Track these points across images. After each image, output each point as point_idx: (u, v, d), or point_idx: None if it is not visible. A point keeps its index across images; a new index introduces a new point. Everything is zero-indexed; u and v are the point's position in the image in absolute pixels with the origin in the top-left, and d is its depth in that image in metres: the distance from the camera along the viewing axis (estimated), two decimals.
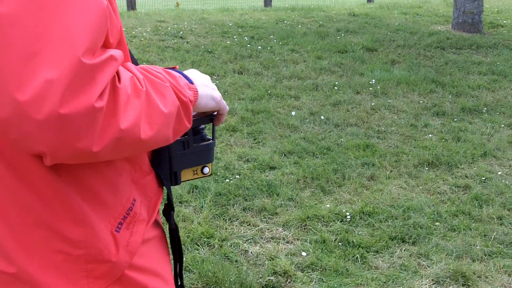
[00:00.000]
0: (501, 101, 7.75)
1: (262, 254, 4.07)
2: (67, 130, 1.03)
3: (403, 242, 4.34)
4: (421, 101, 7.55)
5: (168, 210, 1.55)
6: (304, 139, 6.17)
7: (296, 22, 11.59)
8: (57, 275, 1.23)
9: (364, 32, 10.90)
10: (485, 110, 7.35)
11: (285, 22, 11.50)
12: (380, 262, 4.07)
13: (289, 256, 4.06)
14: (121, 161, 1.31)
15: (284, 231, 4.42)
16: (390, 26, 11.50)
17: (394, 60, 9.31)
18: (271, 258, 4.03)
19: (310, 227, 4.46)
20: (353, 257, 4.09)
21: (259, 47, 9.42)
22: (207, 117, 1.54)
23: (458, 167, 5.69)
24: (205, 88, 1.46)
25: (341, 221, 4.58)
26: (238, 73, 8.20)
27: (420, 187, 5.27)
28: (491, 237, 4.41)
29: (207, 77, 1.52)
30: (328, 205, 4.80)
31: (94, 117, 1.05)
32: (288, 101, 7.25)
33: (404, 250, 4.22)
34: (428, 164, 5.73)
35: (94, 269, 1.25)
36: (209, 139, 1.57)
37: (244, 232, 4.36)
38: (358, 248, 4.20)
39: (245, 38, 9.90)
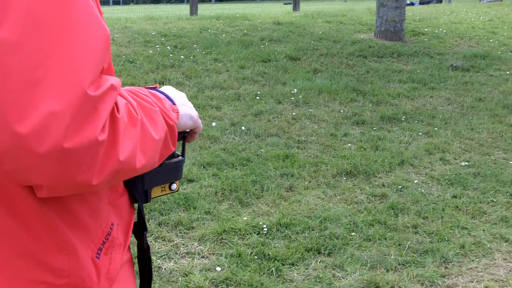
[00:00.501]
0: (419, 109, 7.89)
1: (176, 271, 4.01)
2: (69, 163, 1.00)
3: (319, 253, 4.35)
4: (341, 110, 7.62)
5: (141, 230, 1.50)
6: (224, 150, 6.14)
7: (220, 31, 11.57)
8: None
9: (288, 41, 10.96)
10: (404, 118, 7.47)
11: (209, 31, 11.47)
12: (295, 274, 4.06)
13: (204, 272, 4.01)
14: None
15: (199, 245, 4.37)
16: (314, 34, 11.60)
17: (316, 69, 9.38)
18: (185, 274, 3.97)
19: (226, 241, 4.42)
20: (268, 270, 4.07)
21: (182, 56, 9.35)
22: (181, 134, 1.50)
23: (376, 176, 5.76)
24: (184, 108, 1.43)
25: (258, 234, 4.56)
26: (160, 83, 8.11)
27: (338, 197, 5.30)
28: (406, 246, 4.46)
29: (184, 95, 1.48)
30: (245, 218, 4.78)
31: (96, 150, 1.02)
32: (210, 112, 7.21)
33: (319, 262, 4.22)
34: (347, 174, 5.78)
35: None
36: (179, 156, 1.54)
37: (158, 248, 4.29)
38: (273, 261, 4.18)
39: (168, 47, 9.82)
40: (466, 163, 6.17)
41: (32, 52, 0.96)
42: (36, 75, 0.96)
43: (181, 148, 1.57)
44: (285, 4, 25.08)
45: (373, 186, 5.55)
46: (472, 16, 14.93)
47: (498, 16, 15.46)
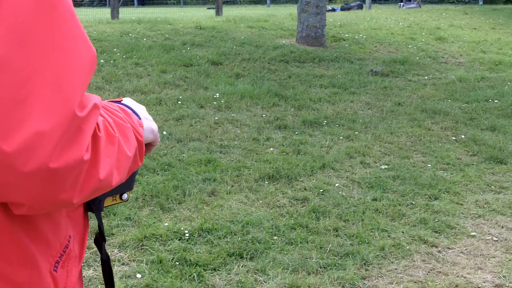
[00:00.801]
0: (340, 113, 7.99)
1: (95, 278, 3.91)
2: (53, 183, 0.99)
3: (241, 258, 4.32)
4: (264, 115, 7.64)
5: (100, 240, 1.48)
6: (145, 155, 6.04)
7: (141, 35, 11.44)
8: None
9: (210, 46, 10.93)
10: (325, 122, 7.55)
11: (130, 35, 11.32)
12: (217, 280, 4.02)
13: (124, 279, 3.93)
14: None
15: (120, 252, 4.28)
16: (236, 39, 11.61)
17: (239, 73, 9.39)
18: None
19: (147, 247, 4.34)
20: (190, 276, 4.01)
21: (102, 60, 9.19)
22: None
23: (298, 180, 5.78)
24: (147, 121, 1.42)
25: (179, 239, 4.50)
26: None
27: (260, 201, 5.30)
28: (327, 249, 4.48)
29: (144, 108, 1.47)
30: (166, 223, 4.71)
31: (80, 169, 1.02)
32: None
33: (241, 266, 4.20)
34: (269, 178, 5.78)
35: None
36: None
37: None
38: (195, 266, 4.13)
39: None
40: (386, 166, 6.27)
41: (19, 69, 0.93)
42: (23, 92, 0.93)
43: None
44: (208, 9, 25.07)
45: (295, 190, 5.57)
46: (391, 22, 15.25)
47: (417, 23, 15.84)
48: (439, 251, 4.58)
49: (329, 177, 5.94)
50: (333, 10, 24.18)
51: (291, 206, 5.23)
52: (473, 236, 4.87)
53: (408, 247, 4.58)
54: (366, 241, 4.63)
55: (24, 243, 1.12)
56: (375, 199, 5.44)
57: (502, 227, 5.06)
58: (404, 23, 15.51)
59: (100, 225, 1.46)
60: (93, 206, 1.41)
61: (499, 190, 5.91)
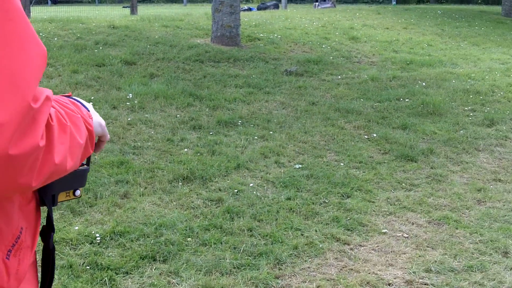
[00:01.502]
0: (255, 113, 8.00)
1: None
2: (13, 168, 1.12)
3: (154, 260, 4.26)
4: (178, 115, 7.57)
5: (48, 231, 1.57)
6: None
7: (52, 35, 11.17)
8: None
9: (123, 45, 10.76)
10: (240, 122, 7.54)
11: (41, 34, 11.03)
12: (130, 283, 3.95)
13: None
14: None
15: None
16: (150, 39, 11.48)
17: (153, 73, 9.28)
18: None
19: (57, 252, 4.22)
20: (101, 280, 3.93)
21: None
22: None
23: (212, 181, 5.75)
24: (95, 116, 1.57)
25: (90, 243, 4.40)
26: None
27: (174, 203, 5.24)
28: (241, 249, 4.47)
29: (91, 104, 1.60)
30: (77, 227, 4.60)
31: (37, 155, 1.15)
32: None
33: (154, 269, 4.14)
34: (183, 179, 5.73)
35: None
36: (84, 165, 1.64)
37: None
38: (107, 270, 4.04)
39: None
40: (300, 166, 6.32)
41: None
42: None
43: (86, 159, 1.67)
44: (124, 7, 24.71)
45: (209, 191, 5.53)
46: (306, 22, 15.39)
47: (331, 22, 16.06)
48: (351, 249, 4.64)
49: (244, 177, 5.94)
50: (250, 9, 24.24)
51: (205, 207, 5.20)
52: (385, 233, 4.95)
53: (321, 245, 4.62)
54: (280, 240, 4.65)
55: None
56: (289, 198, 5.47)
57: (413, 223, 5.17)
58: (318, 23, 15.69)
59: (51, 217, 1.55)
60: (46, 200, 1.51)
61: (410, 187, 6.05)
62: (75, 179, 1.61)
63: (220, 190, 5.58)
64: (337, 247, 4.65)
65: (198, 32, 12.93)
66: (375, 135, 7.61)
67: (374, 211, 5.39)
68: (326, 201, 5.51)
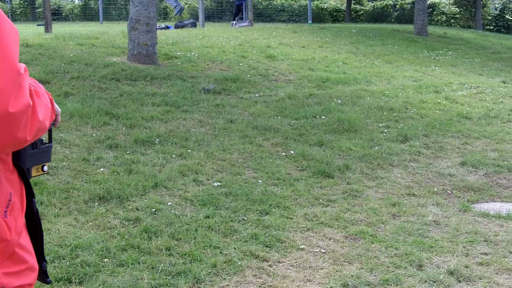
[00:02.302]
0: (173, 131, 7.95)
1: None
2: (12, 124, 1.46)
3: (69, 282, 4.17)
4: (94, 134, 7.45)
5: (29, 197, 1.84)
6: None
7: None
8: None
9: (37, 64, 10.53)
10: (157, 141, 7.48)
11: None
12: None
13: None
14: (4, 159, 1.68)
15: None
16: (65, 57, 11.27)
17: (68, 92, 9.11)
18: None
19: None
20: None
21: None
22: None
23: (129, 200, 5.67)
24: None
25: None
26: None
27: (90, 223, 5.14)
28: (159, 269, 4.42)
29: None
30: None
31: (28, 112, 1.50)
32: None
33: None
34: (99, 199, 5.63)
35: None
36: (46, 143, 1.99)
37: None
38: None
39: None
40: (219, 183, 6.31)
41: None
42: None
43: (47, 136, 2.05)
44: (38, 25, 24.20)
45: (126, 210, 5.46)
46: (223, 41, 15.44)
47: (248, 41, 16.17)
48: (270, 265, 4.66)
49: (162, 196, 5.89)
50: (167, 28, 24.09)
51: (122, 227, 5.12)
52: (302, 249, 4.99)
53: (240, 263, 4.62)
54: (199, 259, 4.62)
55: None
56: (207, 217, 5.45)
57: (330, 239, 5.24)
58: (236, 41, 15.78)
59: (30, 185, 1.85)
60: (25, 170, 1.81)
61: (327, 203, 6.13)
62: (42, 155, 1.95)
63: (137, 209, 5.50)
64: (256, 264, 4.65)
65: (114, 51, 12.79)
66: (292, 152, 7.68)
67: (292, 227, 5.43)
68: (245, 218, 5.52)
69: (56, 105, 1.90)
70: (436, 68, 16.09)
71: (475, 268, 4.77)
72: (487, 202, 6.71)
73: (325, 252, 4.96)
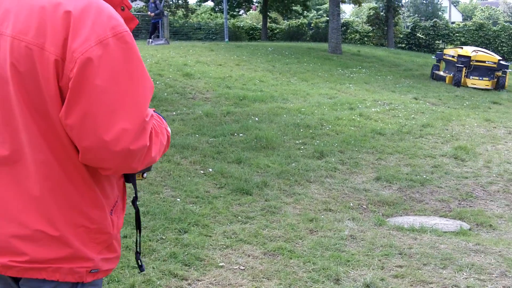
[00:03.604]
0: None
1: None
2: (130, 158, 1.83)
3: None
4: None
5: (135, 199, 2.23)
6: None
7: None
8: (78, 240, 1.92)
9: None
10: None
11: None
12: None
13: None
14: None
15: None
16: None
17: None
18: None
19: None
20: None
21: None
22: None
23: None
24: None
25: None
26: None
27: None
28: None
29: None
30: None
31: (144, 151, 1.86)
32: None
33: None
34: None
35: (99, 238, 1.97)
36: None
37: None
38: None
39: None
40: (137, 203, 6.23)
41: (114, 93, 1.77)
42: (116, 106, 1.77)
43: None
44: None
45: None
46: None
47: (165, 59, 16.12)
48: (189, 284, 4.64)
49: None
50: None
51: None
52: (222, 266, 5.00)
53: (158, 282, 4.58)
54: (117, 280, 4.56)
55: (98, 194, 1.94)
56: (125, 236, 5.38)
57: (249, 255, 5.26)
58: (152, 59, 15.72)
59: (135, 189, 2.19)
60: (131, 178, 2.14)
61: (246, 220, 6.16)
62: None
63: None
64: (175, 283, 4.63)
65: None
66: (211, 169, 7.69)
67: (211, 245, 5.43)
68: (163, 237, 5.48)
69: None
70: (350, 85, 16.46)
71: (391, 281, 4.89)
72: (401, 216, 6.90)
73: (244, 269, 4.98)
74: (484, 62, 20.54)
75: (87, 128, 1.76)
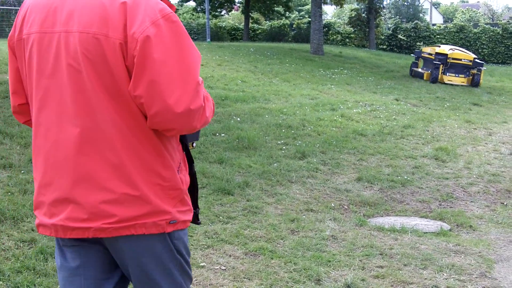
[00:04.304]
0: None
1: None
2: (191, 117, 2.19)
3: None
4: None
5: (190, 162, 2.57)
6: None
7: None
8: (157, 197, 2.28)
9: None
10: None
11: None
12: None
13: None
14: (175, 137, 2.40)
15: None
16: None
17: None
18: None
19: None
20: None
21: None
22: None
23: (25, 221, 5.51)
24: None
25: None
26: None
27: None
28: None
29: None
30: None
31: (201, 110, 2.23)
32: None
33: None
34: None
35: (172, 193, 2.33)
36: None
37: None
38: None
39: None
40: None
41: (170, 64, 2.14)
42: (174, 74, 2.14)
43: None
44: None
45: (21, 232, 5.29)
46: None
47: None
48: None
49: None
50: None
51: (17, 249, 4.96)
52: (203, 266, 4.99)
53: None
54: None
55: (166, 157, 2.31)
56: None
57: (230, 256, 5.26)
58: None
59: (190, 154, 2.56)
60: (187, 143, 2.54)
61: (227, 220, 6.15)
62: (194, 135, 2.58)
63: (33, 230, 5.35)
64: None
65: (6, 68, 12.42)
66: None
67: (192, 245, 5.41)
68: None
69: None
70: (332, 86, 16.50)
71: (371, 281, 4.91)
72: (382, 216, 6.92)
73: (225, 269, 4.97)
74: (460, 60, 21.92)
75: (153, 95, 2.13)
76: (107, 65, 2.15)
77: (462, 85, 21.22)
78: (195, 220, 2.58)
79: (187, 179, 2.45)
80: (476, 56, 23.18)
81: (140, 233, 2.27)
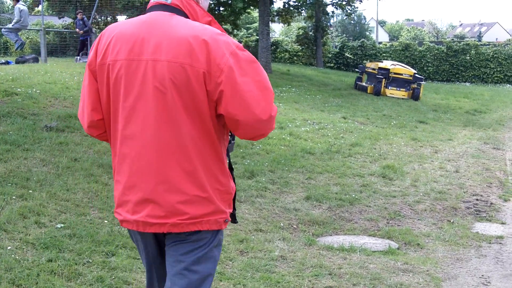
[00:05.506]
0: (13, 171, 7.58)
1: None
2: (271, 122, 2.77)
3: None
4: None
5: (231, 170, 3.03)
6: None
7: None
8: (217, 199, 2.83)
9: None
10: None
11: None
12: None
13: None
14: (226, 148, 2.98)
15: None
16: None
17: None
18: None
19: None
20: None
21: None
22: None
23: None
24: None
25: None
26: None
27: None
28: None
29: None
30: None
31: (274, 118, 2.81)
32: None
33: None
34: None
35: (225, 197, 2.89)
36: (231, 141, 3.07)
37: None
38: None
39: None
40: (62, 225, 6.07)
41: (251, 82, 2.70)
42: (256, 90, 2.71)
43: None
44: None
45: None
46: (67, 77, 15.03)
47: None
48: None
49: (1, 239, 5.58)
50: (7, 63, 23.15)
51: None
52: None
53: None
54: None
55: (225, 166, 2.87)
56: (50, 260, 5.22)
57: None
58: (80, 77, 15.42)
59: (230, 163, 3.04)
60: (229, 153, 3.04)
61: None
62: (232, 146, 3.04)
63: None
64: None
65: None
66: None
67: (139, 268, 5.31)
68: (90, 260, 5.34)
69: None
70: (280, 104, 16.54)
71: None
72: (331, 235, 6.93)
73: None
74: (401, 74, 23.57)
75: (243, 109, 2.67)
76: (189, 89, 2.66)
77: (403, 99, 22.49)
78: (234, 220, 3.06)
79: (233, 185, 2.96)
80: (416, 72, 24.78)
81: (205, 228, 2.80)
